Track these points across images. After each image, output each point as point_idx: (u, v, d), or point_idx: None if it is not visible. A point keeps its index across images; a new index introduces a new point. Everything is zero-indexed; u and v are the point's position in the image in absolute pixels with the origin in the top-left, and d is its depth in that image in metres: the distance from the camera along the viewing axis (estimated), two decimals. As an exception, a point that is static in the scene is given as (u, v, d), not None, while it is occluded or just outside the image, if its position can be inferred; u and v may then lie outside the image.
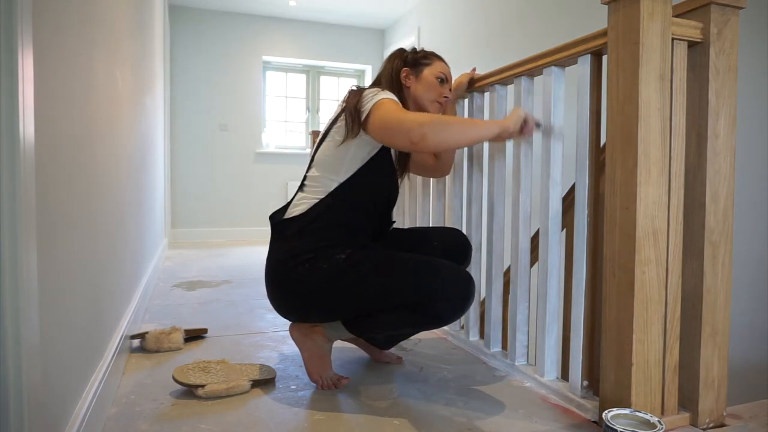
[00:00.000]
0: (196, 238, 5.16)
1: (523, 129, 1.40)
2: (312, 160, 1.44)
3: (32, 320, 0.68)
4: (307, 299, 1.33)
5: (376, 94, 1.33)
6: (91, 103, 1.15)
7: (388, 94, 1.35)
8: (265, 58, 5.46)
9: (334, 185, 1.36)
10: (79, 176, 1.03)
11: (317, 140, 1.45)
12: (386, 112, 1.29)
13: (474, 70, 1.78)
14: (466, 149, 1.82)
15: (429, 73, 1.51)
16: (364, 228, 1.41)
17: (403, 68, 1.52)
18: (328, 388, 1.39)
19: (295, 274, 1.31)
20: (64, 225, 0.91)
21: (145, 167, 2.44)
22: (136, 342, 1.71)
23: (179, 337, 1.70)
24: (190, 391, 1.32)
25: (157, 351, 1.65)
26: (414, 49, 1.59)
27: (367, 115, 1.30)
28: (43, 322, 0.76)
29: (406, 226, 2.08)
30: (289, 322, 2.02)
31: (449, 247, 1.51)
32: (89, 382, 1.09)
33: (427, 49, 1.61)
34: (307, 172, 1.45)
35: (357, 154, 1.36)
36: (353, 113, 1.33)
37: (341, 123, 1.36)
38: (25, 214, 0.66)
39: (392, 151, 1.52)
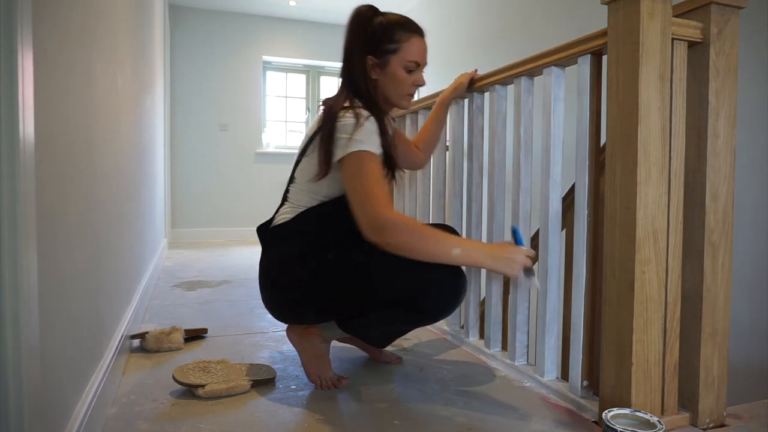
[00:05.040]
0: (196, 238, 5.16)
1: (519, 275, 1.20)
2: (293, 176, 1.39)
3: (32, 320, 0.68)
4: (300, 301, 1.32)
5: (352, 138, 1.20)
6: (91, 103, 1.15)
7: (369, 142, 1.21)
8: (265, 58, 5.46)
9: (317, 203, 1.33)
10: (79, 176, 1.03)
11: (298, 152, 1.38)
12: (361, 179, 1.18)
13: (476, 71, 1.74)
14: (465, 148, 1.82)
15: (397, 64, 1.33)
16: (351, 231, 1.36)
17: (368, 56, 1.33)
18: (327, 388, 1.38)
19: (285, 277, 1.31)
20: (64, 225, 0.91)
21: (145, 167, 2.44)
22: (136, 342, 1.71)
23: (179, 337, 1.70)
24: (190, 391, 1.32)
25: (157, 351, 1.65)
26: (379, 23, 1.33)
27: (341, 161, 1.22)
28: (43, 322, 0.76)
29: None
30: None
31: None
32: (89, 382, 1.09)
33: (394, 17, 1.35)
34: (289, 185, 1.40)
35: (333, 186, 1.30)
36: (325, 153, 1.24)
37: (314, 152, 1.29)
38: (25, 214, 0.66)
39: (392, 128, 1.47)
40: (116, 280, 1.50)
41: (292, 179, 1.40)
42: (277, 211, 1.41)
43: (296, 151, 1.42)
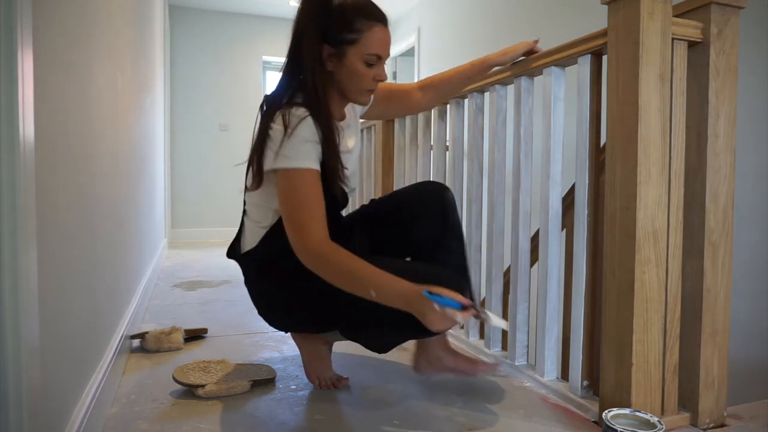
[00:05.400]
0: (196, 238, 5.16)
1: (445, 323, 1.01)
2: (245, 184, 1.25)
3: (32, 320, 0.68)
4: (298, 320, 1.29)
5: (279, 153, 1.08)
6: (90, 103, 1.15)
7: (299, 156, 1.08)
8: (265, 58, 5.46)
9: (273, 218, 1.21)
10: (79, 176, 1.03)
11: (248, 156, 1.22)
12: (289, 202, 1.09)
13: (537, 41, 1.47)
14: (465, 146, 1.82)
15: (355, 57, 1.15)
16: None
17: (324, 45, 1.16)
18: (327, 388, 1.38)
19: (277, 302, 1.27)
20: (64, 225, 0.91)
21: (145, 167, 2.44)
22: (136, 342, 1.71)
23: (179, 337, 1.70)
24: (190, 391, 1.32)
25: (157, 351, 1.65)
26: (338, 6, 1.17)
27: (273, 173, 1.12)
28: (43, 322, 0.76)
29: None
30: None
31: (423, 209, 1.28)
32: (89, 382, 1.09)
33: (353, 1, 1.17)
34: (245, 194, 1.27)
35: (275, 195, 1.17)
36: (257, 162, 1.13)
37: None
38: (25, 214, 0.66)
39: (356, 113, 1.36)
40: (116, 279, 1.50)
41: (246, 187, 1.26)
42: (241, 225, 1.31)
43: None
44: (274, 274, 1.24)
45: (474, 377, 1.44)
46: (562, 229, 1.48)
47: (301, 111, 1.10)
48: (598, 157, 1.30)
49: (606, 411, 1.05)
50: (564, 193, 1.60)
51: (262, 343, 1.78)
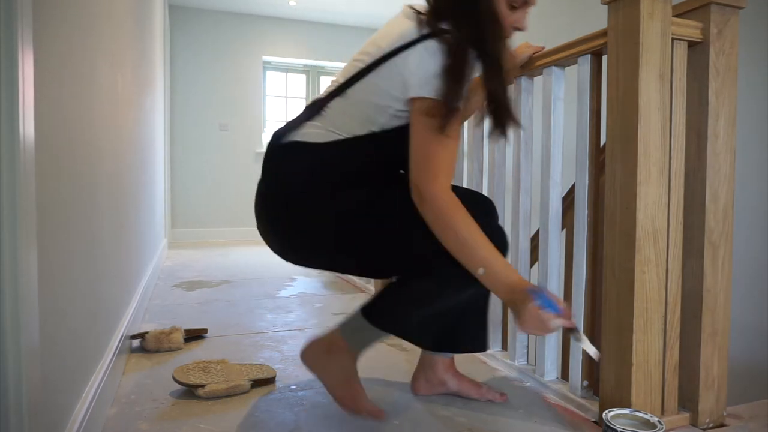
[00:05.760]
0: (196, 238, 5.16)
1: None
2: (342, 89, 1.09)
3: (32, 320, 0.68)
4: (327, 238, 1.08)
5: (429, 77, 0.97)
6: (90, 103, 1.15)
7: (431, 89, 0.97)
8: (265, 58, 5.46)
9: (367, 132, 1.07)
10: (79, 176, 1.03)
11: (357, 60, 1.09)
12: (427, 135, 0.98)
13: (543, 48, 1.41)
14: (465, 146, 1.82)
15: None
16: (385, 173, 1.15)
17: None
18: (369, 416, 1.13)
19: (314, 205, 1.06)
20: (64, 225, 0.91)
21: (145, 167, 2.44)
22: (136, 342, 1.71)
23: (179, 337, 1.70)
24: (190, 391, 1.32)
25: (157, 351, 1.65)
26: None
27: (414, 100, 1.00)
28: (43, 322, 0.76)
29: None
30: (288, 322, 2.02)
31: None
32: (89, 382, 1.09)
33: None
34: (330, 99, 1.10)
35: (394, 118, 1.06)
36: (401, 79, 1.01)
37: (386, 74, 1.03)
38: (25, 214, 0.66)
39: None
40: (116, 279, 1.50)
41: (338, 92, 1.09)
42: (297, 122, 1.11)
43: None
44: (325, 176, 1.06)
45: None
46: (562, 229, 1.48)
47: (467, 46, 0.99)
48: (598, 157, 1.30)
49: (606, 411, 1.05)
50: (564, 193, 1.60)
51: (262, 343, 1.78)
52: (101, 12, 1.30)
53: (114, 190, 1.47)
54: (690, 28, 1.15)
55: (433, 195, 0.98)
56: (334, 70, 5.73)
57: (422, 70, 0.98)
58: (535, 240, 1.67)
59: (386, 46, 1.03)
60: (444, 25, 1.00)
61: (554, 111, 1.40)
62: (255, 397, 1.32)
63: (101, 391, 1.12)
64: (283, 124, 1.16)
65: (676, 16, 1.16)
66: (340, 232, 1.07)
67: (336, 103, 1.09)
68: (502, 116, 1.08)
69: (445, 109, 0.97)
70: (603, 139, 1.25)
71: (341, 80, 1.10)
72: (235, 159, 5.31)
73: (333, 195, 1.06)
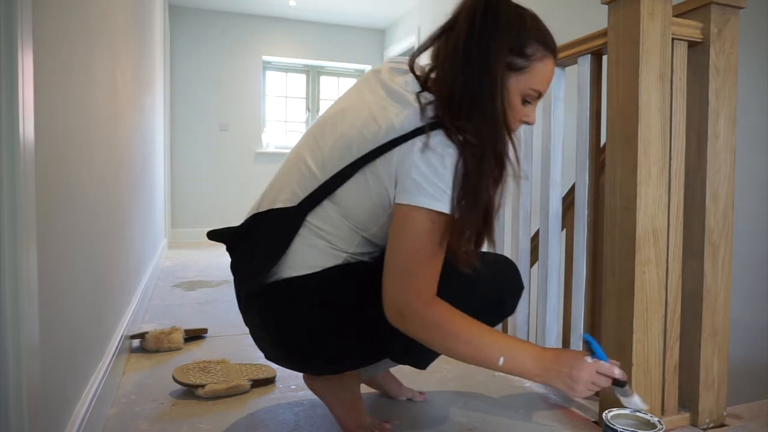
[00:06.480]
0: (196, 238, 5.16)
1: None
2: (329, 189, 0.93)
3: (32, 320, 0.68)
4: (352, 352, 1.01)
5: (436, 187, 0.83)
6: (90, 103, 1.15)
7: (438, 199, 0.84)
8: (265, 58, 5.45)
9: (357, 245, 0.97)
10: (79, 176, 1.03)
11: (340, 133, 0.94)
12: (419, 251, 0.85)
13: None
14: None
15: (515, 86, 0.90)
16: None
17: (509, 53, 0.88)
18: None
19: (333, 335, 0.99)
20: (64, 225, 0.91)
21: (145, 167, 2.44)
22: (136, 342, 1.71)
23: (179, 337, 1.70)
24: (190, 391, 1.32)
25: (157, 351, 1.65)
26: (514, 19, 0.90)
27: (400, 206, 0.87)
28: (43, 322, 0.76)
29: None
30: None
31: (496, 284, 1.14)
32: (89, 382, 1.09)
33: (530, 20, 0.92)
34: (316, 203, 0.94)
35: (385, 228, 0.94)
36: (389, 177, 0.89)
37: (377, 173, 0.90)
38: (25, 214, 0.66)
39: None
40: (116, 280, 1.50)
41: (328, 191, 0.94)
42: (284, 242, 0.95)
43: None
44: (334, 301, 0.97)
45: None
46: (562, 229, 1.48)
47: (475, 145, 0.87)
48: (598, 157, 1.30)
49: (606, 411, 1.05)
50: (564, 193, 1.61)
51: (262, 343, 1.78)
52: (101, 12, 1.30)
53: (114, 190, 1.47)
54: (690, 28, 1.15)
55: (415, 312, 0.86)
56: (334, 70, 5.73)
57: (430, 174, 0.84)
58: (535, 240, 1.67)
59: (375, 138, 0.90)
60: (457, 121, 0.86)
61: (554, 111, 1.40)
62: (255, 397, 1.32)
63: (101, 391, 1.12)
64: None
65: (676, 16, 1.16)
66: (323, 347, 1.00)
67: (322, 211, 0.95)
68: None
69: (459, 226, 0.84)
70: (603, 139, 1.25)
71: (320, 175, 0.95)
72: (235, 159, 5.31)
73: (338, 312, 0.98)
